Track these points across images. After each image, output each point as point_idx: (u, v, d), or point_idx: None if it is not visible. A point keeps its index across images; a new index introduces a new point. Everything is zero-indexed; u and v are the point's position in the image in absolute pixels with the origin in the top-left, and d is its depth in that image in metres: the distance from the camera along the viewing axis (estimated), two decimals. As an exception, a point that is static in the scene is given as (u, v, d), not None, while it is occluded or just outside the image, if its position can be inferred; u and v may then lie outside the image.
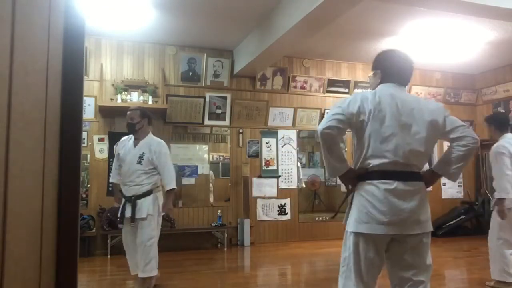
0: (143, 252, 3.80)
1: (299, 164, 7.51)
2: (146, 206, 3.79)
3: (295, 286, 4.49)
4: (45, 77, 0.99)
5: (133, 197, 3.79)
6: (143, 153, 3.85)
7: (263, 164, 7.08)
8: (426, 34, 6.15)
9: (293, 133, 7.33)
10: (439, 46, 6.64)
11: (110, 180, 4.35)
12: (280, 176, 7.14)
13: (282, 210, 7.10)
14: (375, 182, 2.00)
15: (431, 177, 2.17)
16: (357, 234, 2.02)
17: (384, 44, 6.54)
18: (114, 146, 4.19)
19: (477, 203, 7.91)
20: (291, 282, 4.73)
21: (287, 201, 7.15)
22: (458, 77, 8.35)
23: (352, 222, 2.05)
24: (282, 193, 7.13)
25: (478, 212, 7.81)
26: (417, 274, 2.04)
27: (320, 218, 7.03)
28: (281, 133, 7.24)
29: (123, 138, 4.09)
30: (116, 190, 4.13)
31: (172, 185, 3.89)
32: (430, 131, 2.05)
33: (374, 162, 2.02)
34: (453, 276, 4.71)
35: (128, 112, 3.96)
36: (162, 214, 3.96)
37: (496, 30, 6.02)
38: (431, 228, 2.09)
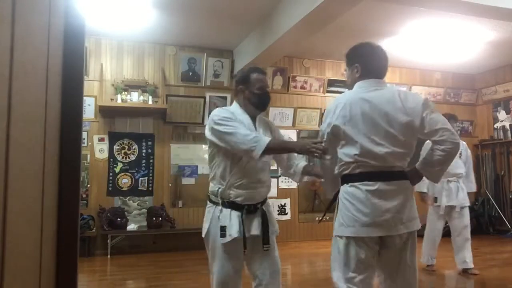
0: (279, 282, 2.50)
1: None
2: (274, 215, 2.70)
3: (295, 286, 4.49)
4: (45, 77, 0.99)
5: (259, 205, 2.51)
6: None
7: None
8: (426, 34, 6.14)
9: (293, 133, 7.33)
10: (439, 46, 6.64)
11: (266, 140, 2.25)
12: (280, 176, 7.14)
13: (282, 210, 7.10)
14: (357, 184, 1.99)
15: (416, 176, 2.11)
16: (344, 238, 2.02)
17: (384, 44, 6.53)
18: (229, 115, 2.40)
19: (477, 203, 7.92)
20: (291, 282, 4.73)
21: (287, 201, 7.15)
22: (458, 77, 8.35)
23: (338, 226, 2.05)
24: (282, 193, 7.13)
25: (478, 212, 7.81)
26: (404, 276, 2.02)
27: (320, 218, 7.03)
28: (281, 133, 7.23)
29: (230, 109, 2.52)
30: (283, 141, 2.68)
31: None
32: (407, 132, 1.99)
33: (354, 166, 2.01)
34: (453, 276, 4.71)
35: (262, 76, 2.51)
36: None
37: (496, 30, 6.02)
38: (417, 227, 2.04)
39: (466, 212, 4.72)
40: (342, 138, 2.03)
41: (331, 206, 2.20)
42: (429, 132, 2.00)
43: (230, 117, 2.37)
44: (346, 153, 2.03)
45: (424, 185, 4.63)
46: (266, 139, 2.26)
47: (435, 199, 4.73)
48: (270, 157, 2.52)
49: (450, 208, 4.67)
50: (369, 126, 1.98)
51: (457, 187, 4.70)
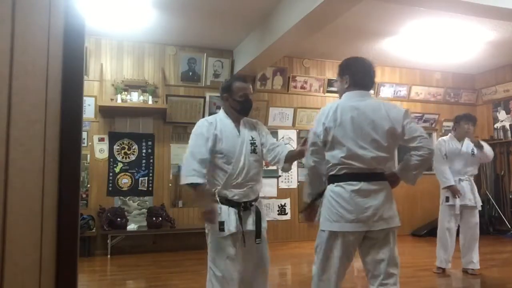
0: (266, 277, 2.80)
1: None
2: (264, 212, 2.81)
3: (295, 286, 4.49)
4: (45, 77, 0.99)
5: (253, 202, 2.69)
6: (252, 137, 2.73)
7: (263, 164, 7.07)
8: (426, 34, 6.15)
9: (293, 133, 7.33)
10: (439, 46, 6.64)
11: (195, 181, 2.50)
12: (280, 176, 7.14)
13: (282, 210, 7.10)
14: (342, 184, 2.21)
15: (395, 179, 2.32)
16: (328, 232, 2.23)
17: (384, 44, 6.55)
18: (202, 129, 2.65)
19: (477, 203, 7.91)
20: (291, 282, 4.73)
21: (287, 201, 7.15)
22: (458, 77, 8.35)
23: (324, 221, 2.26)
24: (282, 193, 7.13)
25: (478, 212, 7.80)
26: (387, 268, 2.21)
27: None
28: (281, 133, 7.24)
29: (209, 119, 2.77)
30: (206, 194, 2.57)
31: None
32: (389, 139, 2.23)
33: (340, 168, 2.22)
34: (453, 275, 4.71)
35: (244, 84, 2.75)
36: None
37: (496, 30, 6.02)
38: (397, 224, 2.26)
39: (477, 211, 4.69)
40: (330, 141, 2.25)
41: (316, 201, 2.38)
42: (408, 139, 2.23)
43: (203, 132, 2.61)
44: (333, 155, 2.24)
45: (450, 179, 4.55)
46: (196, 180, 2.49)
47: (447, 199, 4.62)
48: (260, 155, 2.79)
49: (462, 207, 4.61)
50: (357, 131, 2.21)
51: (469, 186, 4.66)
